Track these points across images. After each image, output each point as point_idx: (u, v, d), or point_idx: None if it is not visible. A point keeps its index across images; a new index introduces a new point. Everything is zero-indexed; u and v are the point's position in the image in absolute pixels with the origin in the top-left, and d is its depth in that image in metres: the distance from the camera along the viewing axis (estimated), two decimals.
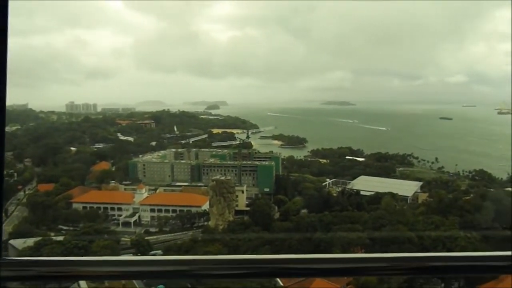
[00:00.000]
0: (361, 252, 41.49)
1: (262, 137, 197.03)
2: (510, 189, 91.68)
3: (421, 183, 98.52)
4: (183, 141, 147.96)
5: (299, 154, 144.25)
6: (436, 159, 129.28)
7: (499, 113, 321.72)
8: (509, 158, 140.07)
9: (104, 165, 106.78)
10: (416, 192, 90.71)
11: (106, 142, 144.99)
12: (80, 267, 1.72)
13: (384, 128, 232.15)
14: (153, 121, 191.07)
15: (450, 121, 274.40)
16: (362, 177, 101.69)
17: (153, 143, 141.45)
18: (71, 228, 70.81)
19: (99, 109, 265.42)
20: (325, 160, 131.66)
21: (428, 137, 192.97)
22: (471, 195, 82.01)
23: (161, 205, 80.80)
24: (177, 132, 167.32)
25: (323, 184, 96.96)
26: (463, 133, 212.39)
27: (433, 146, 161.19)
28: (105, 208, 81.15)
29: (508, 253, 1.80)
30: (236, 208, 79.53)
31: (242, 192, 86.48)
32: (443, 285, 37.68)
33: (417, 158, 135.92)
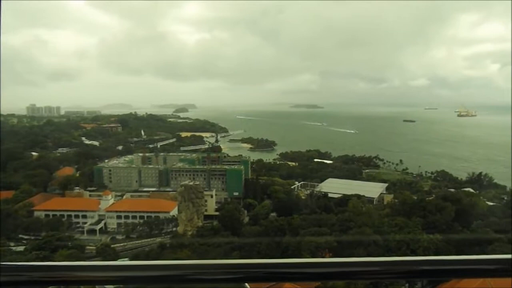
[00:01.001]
0: (329, 256, 42.09)
1: (231, 141, 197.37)
2: (469, 189, 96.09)
3: (386, 184, 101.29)
4: (150, 145, 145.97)
5: (268, 157, 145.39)
6: (401, 161, 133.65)
7: (459, 115, 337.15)
8: (469, 159, 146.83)
9: (67, 171, 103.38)
10: (381, 193, 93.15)
11: (70, 146, 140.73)
12: (75, 272, 1.75)
13: (352, 131, 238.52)
14: (119, 125, 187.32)
15: (413, 123, 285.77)
16: (330, 180, 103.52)
17: (120, 148, 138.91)
18: (33, 238, 67.80)
19: (62, 112, 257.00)
20: (294, 163, 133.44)
21: (392, 139, 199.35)
22: (433, 196, 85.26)
23: (128, 212, 79.00)
24: (144, 136, 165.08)
25: (292, 187, 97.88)
26: (426, 135, 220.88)
27: (397, 148, 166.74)
28: (69, 216, 78.48)
29: (507, 256, 1.78)
30: (206, 213, 78.98)
31: (211, 196, 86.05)
32: (407, 285, 39.03)
33: (382, 160, 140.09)
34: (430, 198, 76.12)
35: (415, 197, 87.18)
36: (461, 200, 63.04)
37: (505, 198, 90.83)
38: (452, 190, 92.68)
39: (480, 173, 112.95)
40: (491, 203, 76.21)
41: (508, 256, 1.77)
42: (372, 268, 1.82)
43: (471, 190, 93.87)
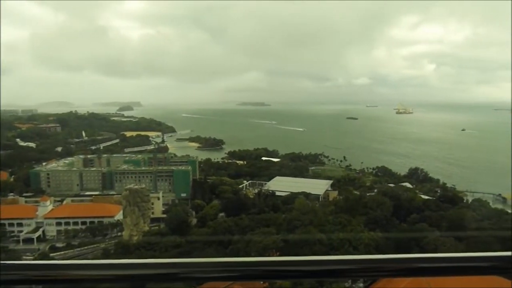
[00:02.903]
0: (276, 256, 42.70)
1: (179, 140, 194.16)
2: (407, 183, 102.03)
3: (331, 181, 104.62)
4: (93, 147, 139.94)
5: (216, 156, 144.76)
6: (344, 157, 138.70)
7: (397, 113, 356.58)
8: (407, 155, 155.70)
9: (1, 176, 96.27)
10: (327, 190, 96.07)
11: (4, 148, 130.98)
12: (74, 271, 1.76)
13: (301, 129, 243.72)
14: (58, 125, 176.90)
15: (356, 120, 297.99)
16: (277, 178, 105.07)
17: (59, 149, 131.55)
18: None
19: None
20: (242, 162, 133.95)
21: (337, 137, 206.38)
22: (375, 191, 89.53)
23: (69, 218, 75.05)
24: (86, 138, 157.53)
25: (240, 186, 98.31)
26: (367, 132, 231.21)
27: (341, 145, 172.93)
28: (3, 225, 73.11)
29: (507, 253, 1.77)
30: (152, 216, 77.18)
31: (158, 198, 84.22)
32: (350, 281, 40.68)
33: (327, 157, 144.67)
34: (371, 194, 79.97)
35: (358, 193, 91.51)
36: (399, 195, 66.76)
37: (438, 191, 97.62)
38: (392, 185, 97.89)
39: (417, 168, 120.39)
40: (426, 197, 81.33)
41: (508, 253, 1.76)
42: (369, 266, 1.82)
43: (409, 184, 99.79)
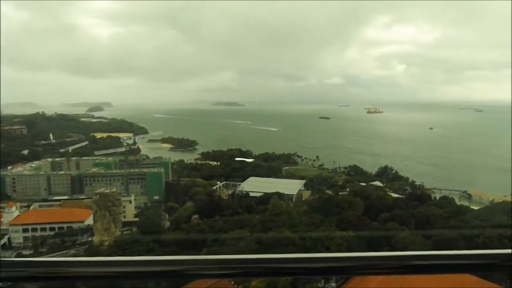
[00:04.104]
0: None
1: (151, 141, 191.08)
2: (377, 182, 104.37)
3: (304, 181, 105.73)
4: (61, 149, 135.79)
5: (189, 157, 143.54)
6: (317, 157, 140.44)
7: (368, 112, 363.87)
8: (377, 154, 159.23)
9: None
10: (300, 190, 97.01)
11: None
12: (74, 268, 1.75)
13: (275, 129, 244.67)
14: (24, 127, 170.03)
15: (328, 120, 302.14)
16: (251, 178, 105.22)
17: (25, 152, 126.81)
18: None
19: None
20: (215, 163, 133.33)
21: (310, 136, 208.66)
22: (347, 190, 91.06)
23: (36, 224, 72.53)
24: (53, 140, 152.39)
25: (214, 187, 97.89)
26: (340, 131, 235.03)
27: (314, 144, 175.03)
28: None
29: (506, 251, 1.77)
30: (124, 220, 75.70)
31: (130, 202, 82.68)
32: (323, 281, 41.31)
33: (301, 156, 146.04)
34: (344, 193, 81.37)
35: (331, 192, 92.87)
36: (370, 195, 68.25)
37: (408, 189, 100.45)
38: (363, 184, 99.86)
39: (386, 166, 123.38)
40: (396, 195, 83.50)
41: (507, 251, 1.76)
42: (368, 263, 1.82)
43: (379, 183, 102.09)
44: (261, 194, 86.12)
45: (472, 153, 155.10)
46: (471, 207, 74.86)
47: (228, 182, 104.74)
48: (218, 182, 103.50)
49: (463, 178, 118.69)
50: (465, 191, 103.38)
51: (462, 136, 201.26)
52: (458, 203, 79.38)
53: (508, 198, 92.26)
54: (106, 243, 61.09)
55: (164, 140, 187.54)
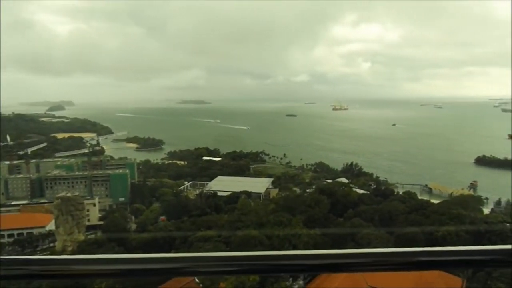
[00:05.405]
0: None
1: (115, 141, 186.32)
2: (343, 178, 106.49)
3: (272, 179, 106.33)
4: (19, 151, 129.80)
5: (156, 157, 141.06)
6: (284, 154, 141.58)
7: (334, 109, 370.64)
8: (344, 150, 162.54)
9: None
10: (268, 188, 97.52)
11: None
12: (73, 266, 1.75)
13: (245, 127, 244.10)
14: None
15: (295, 117, 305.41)
16: (219, 178, 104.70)
17: None
18: None
19: None
20: (182, 162, 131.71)
21: (277, 134, 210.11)
22: (313, 187, 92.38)
23: None
24: (11, 142, 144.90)
25: (181, 187, 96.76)
26: (306, 129, 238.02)
27: (282, 142, 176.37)
28: None
29: (507, 246, 1.77)
30: (88, 223, 73.56)
31: (94, 205, 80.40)
32: (291, 280, 41.80)
33: (268, 154, 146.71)
34: (310, 191, 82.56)
35: (298, 190, 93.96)
36: (335, 191, 69.56)
37: (372, 184, 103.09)
38: (329, 180, 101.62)
39: (352, 162, 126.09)
40: (361, 191, 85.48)
41: (507, 246, 1.78)
42: (368, 259, 1.82)
43: (345, 179, 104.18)
44: (229, 193, 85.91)
45: (432, 148, 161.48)
46: (432, 200, 77.58)
47: (196, 181, 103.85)
48: (186, 182, 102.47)
49: (424, 172, 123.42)
50: (426, 185, 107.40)
51: (422, 131, 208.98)
52: (420, 197, 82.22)
53: (465, 191, 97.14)
54: (69, 249, 59.14)
55: (129, 140, 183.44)
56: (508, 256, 1.79)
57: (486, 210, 74.92)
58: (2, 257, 1.70)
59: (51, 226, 69.73)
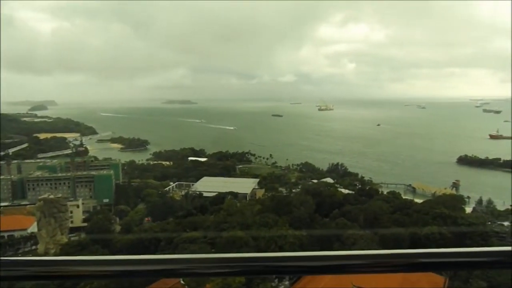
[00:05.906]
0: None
1: (100, 141, 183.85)
2: (328, 178, 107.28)
3: (258, 179, 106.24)
4: (1, 152, 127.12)
5: (141, 157, 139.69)
6: (271, 155, 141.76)
7: (319, 109, 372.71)
8: (328, 151, 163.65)
9: None
10: (254, 188, 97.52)
11: None
12: (73, 267, 1.75)
13: (231, 127, 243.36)
14: None
15: (281, 117, 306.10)
16: (205, 178, 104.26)
17: None
18: None
19: None
20: (168, 163, 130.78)
21: (263, 134, 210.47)
22: (299, 187, 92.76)
23: None
24: None
25: (167, 188, 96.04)
26: (292, 129, 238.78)
27: (268, 142, 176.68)
28: None
29: (507, 248, 1.77)
30: (72, 225, 72.54)
31: (78, 206, 79.22)
32: (276, 281, 41.92)
33: (254, 155, 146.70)
34: (296, 191, 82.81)
35: (284, 190, 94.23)
36: (321, 192, 70.00)
37: (357, 184, 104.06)
38: (315, 180, 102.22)
39: (338, 163, 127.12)
40: (346, 191, 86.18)
41: (508, 248, 1.77)
42: (370, 261, 1.82)
43: (330, 179, 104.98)
44: (215, 194, 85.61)
45: (416, 148, 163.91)
46: (415, 200, 78.65)
47: (182, 182, 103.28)
48: (171, 183, 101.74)
49: (408, 172, 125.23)
50: (410, 184, 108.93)
51: (406, 132, 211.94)
52: (404, 196, 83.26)
53: (448, 190, 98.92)
54: (52, 251, 58.17)
55: (114, 140, 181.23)
56: (509, 258, 1.79)
57: (468, 209, 76.36)
58: (2, 258, 1.71)
59: (33, 228, 68.44)
